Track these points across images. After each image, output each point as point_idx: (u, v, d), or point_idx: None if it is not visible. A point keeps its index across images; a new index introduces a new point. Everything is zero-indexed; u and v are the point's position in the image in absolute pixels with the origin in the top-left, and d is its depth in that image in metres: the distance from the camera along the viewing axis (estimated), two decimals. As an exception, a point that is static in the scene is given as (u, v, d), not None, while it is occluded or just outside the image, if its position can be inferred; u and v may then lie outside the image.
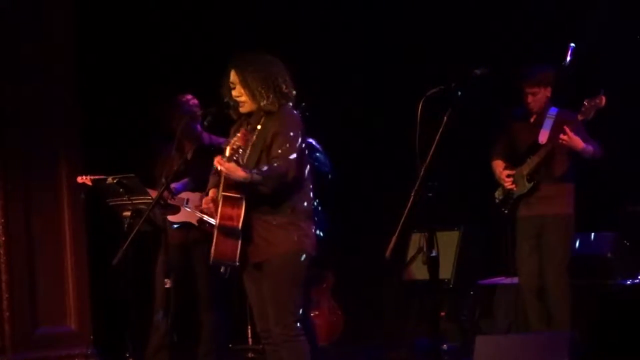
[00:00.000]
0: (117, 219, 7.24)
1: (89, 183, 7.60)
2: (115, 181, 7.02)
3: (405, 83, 8.32)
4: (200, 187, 7.04)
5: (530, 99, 7.37)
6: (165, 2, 9.24)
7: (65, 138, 8.85)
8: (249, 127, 5.57)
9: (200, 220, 7.22)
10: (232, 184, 5.37)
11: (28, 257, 8.69)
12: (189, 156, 7.35)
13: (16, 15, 8.68)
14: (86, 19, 8.97)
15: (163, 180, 6.09)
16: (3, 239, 8.58)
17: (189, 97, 7.61)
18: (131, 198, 7.02)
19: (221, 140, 6.99)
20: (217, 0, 9.30)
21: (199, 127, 7.50)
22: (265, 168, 5.34)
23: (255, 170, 5.31)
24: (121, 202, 7.10)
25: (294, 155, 5.41)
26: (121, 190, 7.04)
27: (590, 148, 7.16)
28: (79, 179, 7.71)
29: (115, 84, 9.02)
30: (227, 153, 5.23)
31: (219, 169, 5.30)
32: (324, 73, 8.86)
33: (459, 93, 5.31)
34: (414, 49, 9.02)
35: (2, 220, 8.58)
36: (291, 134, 5.44)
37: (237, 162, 5.26)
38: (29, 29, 8.71)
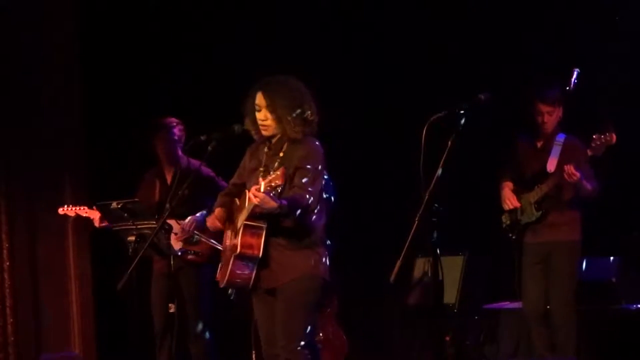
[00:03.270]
0: (121, 243, 7.25)
1: (72, 214, 7.66)
2: (119, 206, 7.04)
3: (409, 107, 8.33)
4: (181, 211, 7.09)
5: (546, 118, 7.31)
6: (172, 24, 9.26)
7: (69, 163, 8.88)
8: (270, 151, 5.57)
9: (182, 249, 7.26)
10: (257, 214, 5.37)
11: (33, 282, 8.72)
12: (168, 181, 7.56)
13: (20, 37, 8.75)
14: (92, 37, 9.03)
15: (167, 205, 6.10)
16: (8, 263, 8.60)
17: (173, 120, 7.65)
18: (135, 223, 7.02)
19: (199, 165, 7.06)
20: (224, 24, 9.32)
21: (179, 151, 7.58)
22: (289, 198, 5.33)
23: (282, 201, 5.28)
24: (126, 227, 7.11)
25: (316, 188, 5.42)
26: (125, 215, 7.04)
27: (588, 187, 7.13)
28: (60, 210, 7.75)
29: (122, 106, 9.03)
30: (263, 188, 5.17)
31: (252, 198, 5.23)
32: (326, 95, 8.86)
33: (463, 118, 5.31)
34: (418, 72, 9.02)
35: (7, 245, 8.60)
36: (314, 167, 5.44)
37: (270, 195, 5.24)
38: (34, 49, 8.78)
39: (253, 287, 5.49)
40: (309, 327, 5.51)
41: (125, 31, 9.15)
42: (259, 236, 5.39)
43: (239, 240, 5.40)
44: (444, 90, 8.15)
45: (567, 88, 7.33)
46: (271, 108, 5.48)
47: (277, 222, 5.39)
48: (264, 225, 5.39)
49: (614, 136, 6.91)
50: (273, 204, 5.20)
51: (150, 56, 9.18)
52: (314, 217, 5.52)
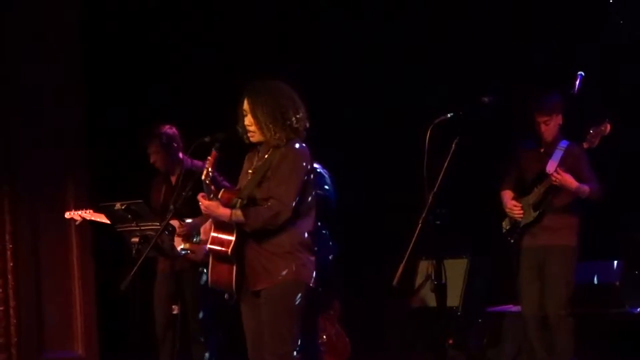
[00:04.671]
0: (124, 244, 7.25)
1: (78, 219, 7.68)
2: (123, 207, 7.03)
3: (413, 110, 8.33)
4: (184, 212, 7.09)
5: (543, 127, 7.32)
6: (174, 25, 9.27)
7: (72, 164, 8.89)
8: (259, 154, 5.55)
9: (183, 249, 7.25)
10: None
11: (35, 282, 8.72)
12: (173, 182, 7.57)
13: (22, 36, 8.76)
14: (94, 38, 9.04)
15: (171, 207, 6.09)
16: (11, 264, 8.61)
17: (167, 127, 7.63)
18: (139, 224, 7.02)
19: (201, 165, 7.05)
20: (225, 28, 9.34)
21: (180, 154, 7.57)
22: (251, 208, 5.35)
23: (238, 203, 5.33)
24: (129, 228, 7.11)
25: (290, 198, 5.37)
26: (129, 216, 7.04)
27: (585, 188, 7.13)
28: (67, 215, 7.76)
29: (124, 107, 9.04)
30: (203, 176, 5.35)
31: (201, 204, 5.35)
32: (332, 97, 8.88)
33: (467, 121, 5.32)
34: (423, 75, 9.03)
35: (10, 246, 8.60)
36: (291, 174, 5.40)
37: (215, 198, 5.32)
38: (35, 50, 8.79)
39: (238, 288, 5.45)
40: (296, 332, 5.44)
41: (127, 31, 9.16)
42: (230, 233, 5.37)
43: (209, 237, 5.42)
44: (448, 93, 8.15)
45: (572, 92, 7.33)
46: (253, 114, 5.47)
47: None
48: (233, 224, 5.38)
49: (609, 126, 6.94)
50: (221, 211, 5.32)
51: (153, 56, 9.20)
52: (299, 222, 5.46)
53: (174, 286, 7.48)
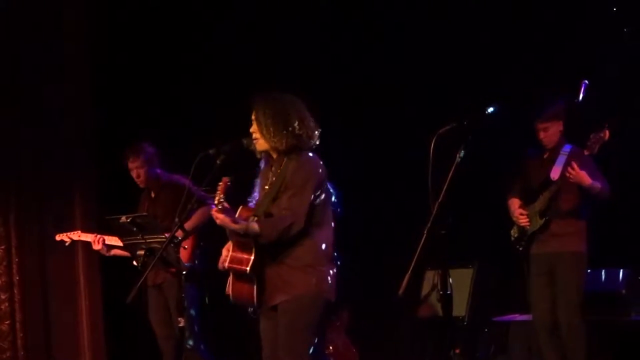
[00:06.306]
0: (130, 257, 7.27)
1: (67, 240, 7.74)
2: (129, 220, 7.05)
3: (417, 119, 8.33)
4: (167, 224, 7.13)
5: (542, 135, 7.38)
6: (184, 36, 9.29)
7: (79, 177, 8.91)
8: (273, 169, 5.58)
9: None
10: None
11: (42, 296, 8.73)
12: (152, 197, 7.73)
13: (30, 46, 8.79)
14: (103, 50, 9.07)
15: (176, 219, 6.11)
16: (17, 278, 8.62)
17: (145, 144, 7.77)
18: (145, 237, 7.04)
19: (178, 178, 7.23)
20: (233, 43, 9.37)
21: (158, 170, 7.73)
22: (266, 219, 5.38)
23: (255, 220, 5.35)
24: (135, 241, 7.13)
25: (302, 205, 5.39)
26: (135, 229, 7.06)
27: (597, 185, 7.15)
28: (57, 237, 7.83)
29: (132, 120, 9.05)
30: (216, 199, 5.33)
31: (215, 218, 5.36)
32: (337, 109, 8.88)
33: (471, 130, 5.32)
34: (426, 85, 9.03)
35: (17, 260, 8.61)
36: (301, 183, 5.43)
37: (229, 212, 5.33)
38: (44, 63, 8.82)
39: (259, 303, 5.47)
40: (310, 345, 5.47)
41: (136, 44, 9.19)
42: (249, 252, 5.39)
43: (229, 256, 5.43)
44: (453, 102, 8.15)
45: (576, 100, 7.34)
46: (257, 120, 5.54)
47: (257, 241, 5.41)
48: (250, 240, 5.39)
49: (607, 132, 6.96)
50: (234, 225, 5.31)
51: (162, 68, 9.21)
52: (317, 233, 5.48)
53: (162, 297, 7.52)
